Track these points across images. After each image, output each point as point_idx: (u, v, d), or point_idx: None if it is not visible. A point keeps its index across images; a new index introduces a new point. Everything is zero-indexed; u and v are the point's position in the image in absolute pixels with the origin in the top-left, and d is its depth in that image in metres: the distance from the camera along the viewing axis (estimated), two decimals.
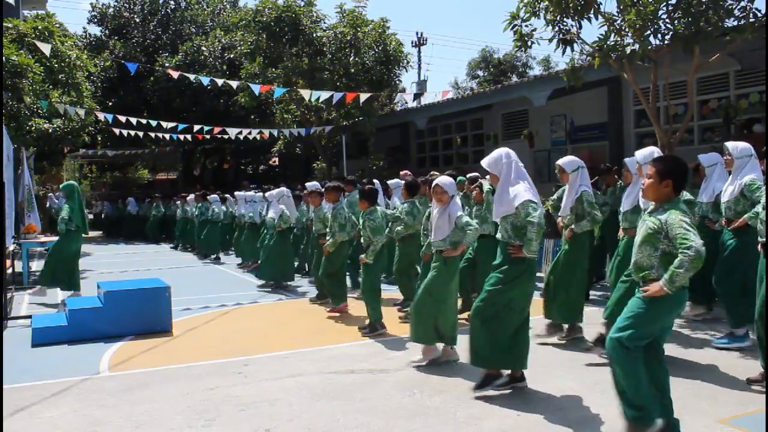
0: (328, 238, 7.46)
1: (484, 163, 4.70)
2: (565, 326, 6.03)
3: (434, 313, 5.21)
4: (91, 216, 23.60)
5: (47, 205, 21.61)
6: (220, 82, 14.10)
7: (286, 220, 9.53)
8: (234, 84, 14.57)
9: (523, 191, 4.48)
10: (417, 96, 22.75)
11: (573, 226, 5.86)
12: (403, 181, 9.77)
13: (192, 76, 14.07)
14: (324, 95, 15.03)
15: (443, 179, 5.32)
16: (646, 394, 3.46)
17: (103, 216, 26.07)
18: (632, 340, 3.44)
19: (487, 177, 5.23)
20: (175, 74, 14.26)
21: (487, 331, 4.50)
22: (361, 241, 6.92)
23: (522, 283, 4.51)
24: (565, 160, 5.97)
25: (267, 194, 10.97)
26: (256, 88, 15.56)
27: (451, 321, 5.29)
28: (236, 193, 14.06)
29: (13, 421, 4.28)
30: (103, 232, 25.47)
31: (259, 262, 10.60)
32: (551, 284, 5.93)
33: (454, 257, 5.21)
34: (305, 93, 14.92)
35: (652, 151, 5.44)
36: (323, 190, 8.25)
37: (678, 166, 3.56)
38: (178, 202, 18.45)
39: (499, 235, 4.66)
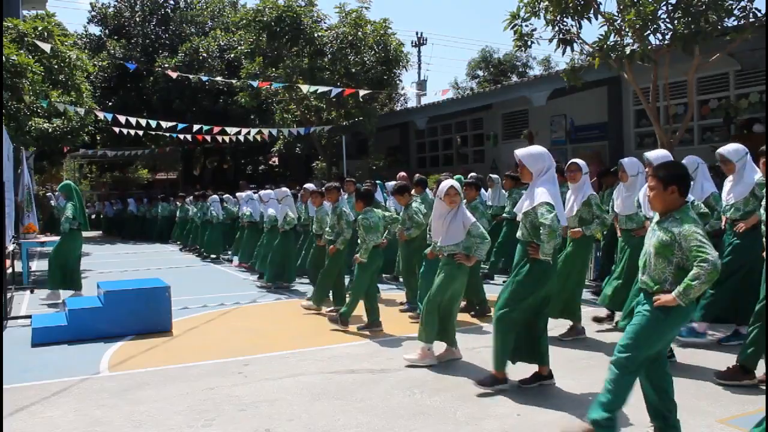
0: (330, 237, 7.50)
1: (522, 153, 4.55)
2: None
3: (448, 312, 5.29)
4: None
5: (53, 204, 21.61)
6: (218, 79, 14.08)
7: (289, 222, 9.47)
8: (231, 80, 14.56)
9: (545, 193, 4.45)
10: (418, 90, 22.75)
11: (582, 228, 5.92)
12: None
13: (190, 76, 14.04)
14: (322, 88, 15.07)
15: (456, 182, 5.30)
16: (623, 404, 3.48)
17: (102, 216, 26.09)
18: (634, 363, 3.42)
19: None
20: (174, 74, 14.27)
21: (519, 334, 4.58)
22: (359, 241, 6.96)
23: (542, 283, 4.52)
24: (581, 162, 6.02)
25: (263, 193, 10.88)
26: (256, 84, 15.61)
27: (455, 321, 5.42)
28: (237, 193, 14.09)
29: (13, 420, 4.28)
30: (103, 232, 25.48)
31: (258, 262, 10.59)
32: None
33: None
34: (303, 87, 14.92)
35: (666, 154, 5.43)
36: (323, 189, 8.26)
37: (679, 170, 3.49)
38: (177, 202, 18.46)
39: (519, 234, 4.63)
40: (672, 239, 3.38)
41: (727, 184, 5.68)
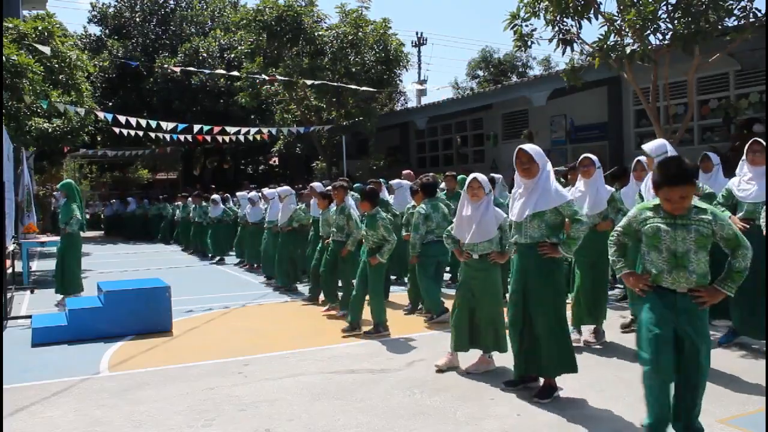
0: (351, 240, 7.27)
1: (530, 148, 4.31)
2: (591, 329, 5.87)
3: (497, 319, 4.98)
4: (87, 216, 23.61)
5: (52, 205, 21.61)
6: (221, 72, 14.10)
7: (300, 219, 9.38)
8: (234, 74, 14.56)
9: (564, 191, 4.34)
10: (419, 87, 22.76)
11: (612, 217, 5.90)
12: (405, 181, 9.79)
13: (193, 70, 14.07)
14: (317, 83, 15.13)
15: (479, 174, 5.00)
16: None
17: (102, 216, 26.11)
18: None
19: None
20: (176, 69, 14.29)
21: (556, 341, 4.33)
22: (363, 241, 6.75)
23: (561, 282, 4.40)
24: (594, 156, 5.95)
25: (268, 191, 10.81)
26: (259, 79, 15.68)
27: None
28: (238, 193, 14.05)
29: (14, 420, 4.28)
30: (103, 232, 25.48)
31: (263, 264, 10.54)
32: (579, 289, 5.78)
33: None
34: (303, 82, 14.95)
35: (663, 143, 5.33)
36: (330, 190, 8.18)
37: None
38: (179, 202, 18.46)
39: (522, 238, 4.34)
40: (710, 230, 3.22)
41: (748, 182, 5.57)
